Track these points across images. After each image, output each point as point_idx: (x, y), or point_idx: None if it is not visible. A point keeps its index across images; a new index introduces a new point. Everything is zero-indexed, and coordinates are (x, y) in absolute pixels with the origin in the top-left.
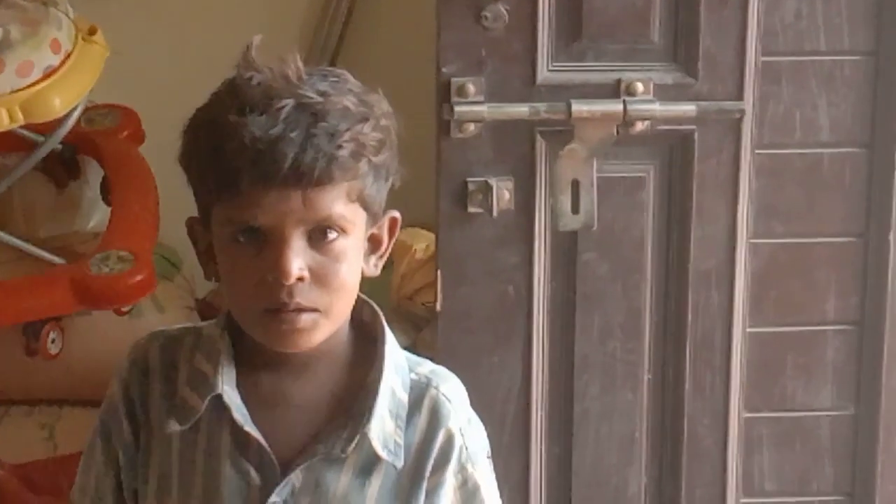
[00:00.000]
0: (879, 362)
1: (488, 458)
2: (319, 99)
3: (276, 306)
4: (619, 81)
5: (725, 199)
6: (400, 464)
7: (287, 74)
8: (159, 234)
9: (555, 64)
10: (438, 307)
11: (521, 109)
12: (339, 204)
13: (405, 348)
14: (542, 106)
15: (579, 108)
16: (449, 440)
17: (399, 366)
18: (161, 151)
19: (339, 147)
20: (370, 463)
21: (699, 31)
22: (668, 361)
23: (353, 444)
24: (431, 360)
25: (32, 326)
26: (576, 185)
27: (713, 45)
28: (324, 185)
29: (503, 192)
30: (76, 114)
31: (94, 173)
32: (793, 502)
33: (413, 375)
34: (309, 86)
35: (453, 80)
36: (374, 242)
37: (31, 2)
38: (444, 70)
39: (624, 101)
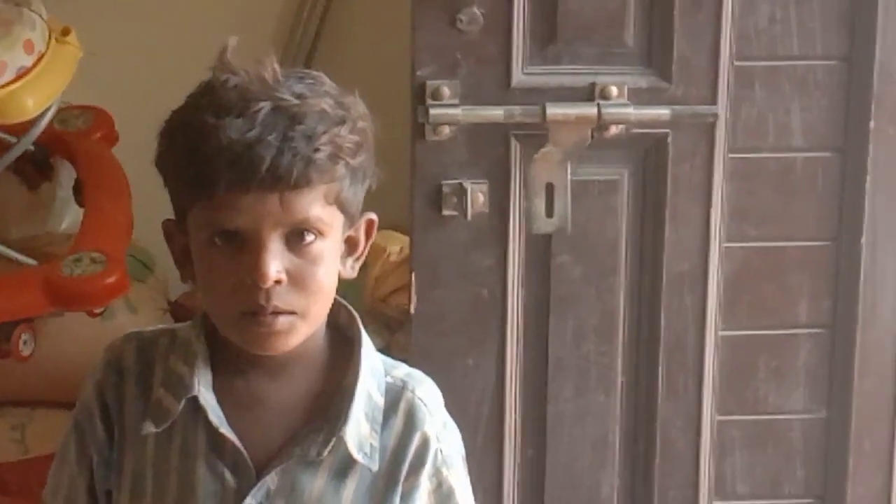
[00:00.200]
0: (851, 365)
1: (463, 461)
2: (296, 101)
3: (254, 309)
4: (593, 85)
5: (699, 202)
6: (375, 467)
7: (263, 77)
8: (132, 236)
9: (529, 67)
10: (412, 310)
11: (495, 112)
12: (316, 206)
13: (379, 351)
14: (516, 109)
15: (554, 111)
16: (424, 444)
17: (375, 369)
18: (135, 153)
19: (317, 150)
20: (346, 466)
21: (673, 36)
22: (641, 364)
23: (328, 447)
24: (406, 362)
25: (4, 328)
26: (550, 188)
27: (687, 49)
28: (301, 188)
29: (477, 195)
30: (49, 115)
31: (66, 174)
32: None
33: (389, 379)
34: (286, 88)
35: (428, 82)
36: (350, 245)
37: (4, 2)
38: (418, 73)
39: (598, 105)
